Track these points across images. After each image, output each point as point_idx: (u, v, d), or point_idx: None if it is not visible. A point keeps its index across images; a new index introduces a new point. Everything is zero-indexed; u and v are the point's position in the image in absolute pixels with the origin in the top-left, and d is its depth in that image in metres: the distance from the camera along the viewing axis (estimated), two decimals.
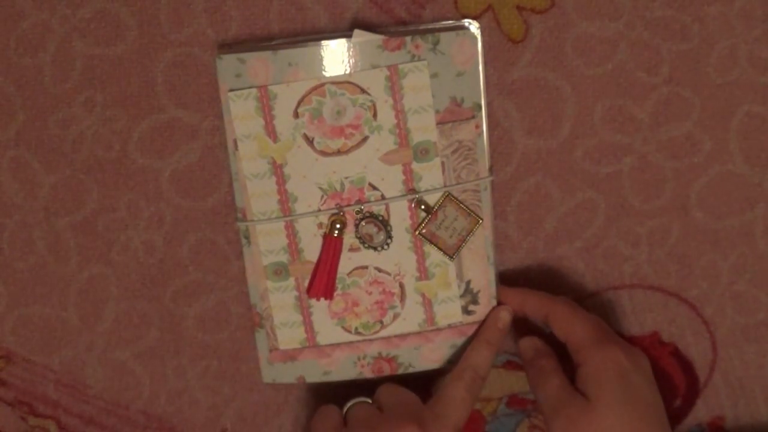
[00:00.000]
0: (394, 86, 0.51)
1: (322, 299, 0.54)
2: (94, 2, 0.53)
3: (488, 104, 0.53)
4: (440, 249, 0.54)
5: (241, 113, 0.52)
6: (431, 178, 0.53)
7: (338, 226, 0.53)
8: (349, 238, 0.54)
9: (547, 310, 0.53)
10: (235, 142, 0.52)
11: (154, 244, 0.56)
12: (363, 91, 0.51)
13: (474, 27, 0.51)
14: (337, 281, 0.54)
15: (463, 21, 0.52)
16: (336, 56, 0.51)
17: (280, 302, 0.55)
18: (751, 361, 0.59)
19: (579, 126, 0.55)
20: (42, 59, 0.53)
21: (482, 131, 0.53)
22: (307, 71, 0.51)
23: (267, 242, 0.54)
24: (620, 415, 0.48)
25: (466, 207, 0.53)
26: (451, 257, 0.54)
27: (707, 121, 0.55)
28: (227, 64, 0.51)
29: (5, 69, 0.53)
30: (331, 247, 0.53)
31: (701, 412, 0.60)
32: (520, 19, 0.53)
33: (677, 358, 0.59)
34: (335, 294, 0.55)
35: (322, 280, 0.54)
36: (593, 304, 0.58)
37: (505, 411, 0.60)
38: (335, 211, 0.53)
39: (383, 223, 0.53)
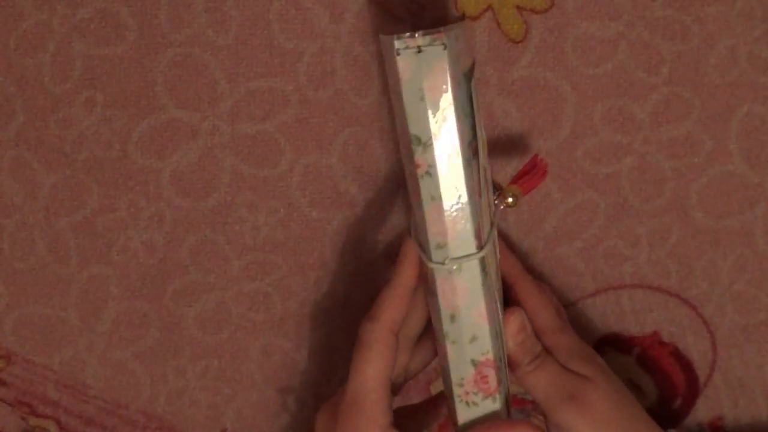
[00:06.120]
0: None
1: None
2: (94, 2, 0.53)
3: (488, 104, 0.53)
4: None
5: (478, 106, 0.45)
6: None
7: (511, 198, 0.48)
8: None
9: (515, 280, 0.51)
10: (471, 145, 0.43)
11: (154, 244, 0.56)
12: None
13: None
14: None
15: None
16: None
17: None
18: (751, 361, 0.59)
19: (579, 126, 0.55)
20: (42, 59, 0.53)
21: None
22: (467, 47, 0.46)
23: (491, 271, 0.46)
24: (616, 388, 0.48)
25: None
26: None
27: (707, 121, 0.55)
28: (447, 41, 0.40)
29: (5, 69, 0.53)
30: (524, 182, 0.49)
31: (701, 412, 0.60)
32: (520, 19, 0.53)
33: (677, 358, 0.59)
34: None
35: (539, 171, 0.50)
36: (593, 304, 0.58)
37: None
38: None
39: None
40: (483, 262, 0.44)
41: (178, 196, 0.55)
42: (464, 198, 0.42)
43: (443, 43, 0.40)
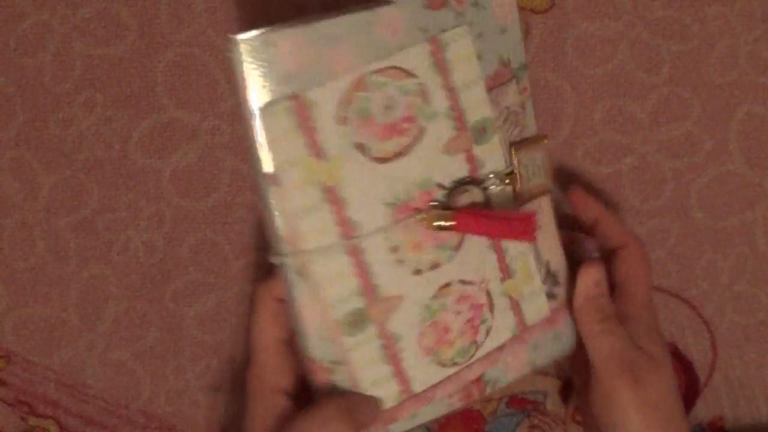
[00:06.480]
0: (439, 62, 0.43)
1: (415, 334, 0.45)
2: (94, 2, 0.53)
3: None
4: (544, 194, 0.47)
5: (276, 135, 0.40)
6: (493, 161, 0.45)
7: (441, 222, 0.43)
8: (427, 253, 0.44)
9: (622, 244, 0.49)
10: (272, 175, 0.41)
11: (154, 244, 0.56)
12: (409, 74, 0.42)
13: None
14: (423, 311, 0.45)
15: None
16: (382, 25, 0.41)
17: (364, 359, 0.45)
18: (751, 361, 0.59)
19: (579, 126, 0.55)
20: (42, 59, 0.53)
21: (530, 92, 0.46)
22: (351, 48, 0.41)
23: (335, 289, 0.43)
24: (674, 379, 0.47)
25: (525, 139, 0.47)
26: (550, 191, 0.48)
27: (707, 121, 0.55)
28: (252, 50, 0.39)
29: (5, 69, 0.53)
30: (469, 218, 0.44)
31: (701, 412, 0.60)
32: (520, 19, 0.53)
33: (677, 358, 0.59)
34: (423, 327, 0.45)
35: (519, 223, 0.45)
36: None
37: (504, 411, 0.60)
38: (418, 216, 0.43)
39: (471, 180, 0.45)
40: (296, 268, 0.42)
41: (178, 196, 0.55)
42: (268, 203, 0.41)
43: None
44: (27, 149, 0.55)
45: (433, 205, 0.44)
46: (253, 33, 0.39)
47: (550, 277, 0.48)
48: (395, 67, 0.42)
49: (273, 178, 0.41)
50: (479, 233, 0.45)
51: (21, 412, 0.58)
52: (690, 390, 0.60)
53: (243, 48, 0.39)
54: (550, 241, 0.48)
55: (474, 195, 0.45)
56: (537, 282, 0.48)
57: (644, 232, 0.57)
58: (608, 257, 0.50)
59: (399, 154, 0.43)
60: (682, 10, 0.53)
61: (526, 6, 0.53)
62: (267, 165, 0.41)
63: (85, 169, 0.55)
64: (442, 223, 0.43)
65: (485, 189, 0.45)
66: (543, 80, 0.54)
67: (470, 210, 0.44)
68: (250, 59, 0.39)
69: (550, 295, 0.49)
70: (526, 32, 0.53)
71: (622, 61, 0.54)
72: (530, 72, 0.54)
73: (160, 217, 0.56)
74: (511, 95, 0.46)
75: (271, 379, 0.45)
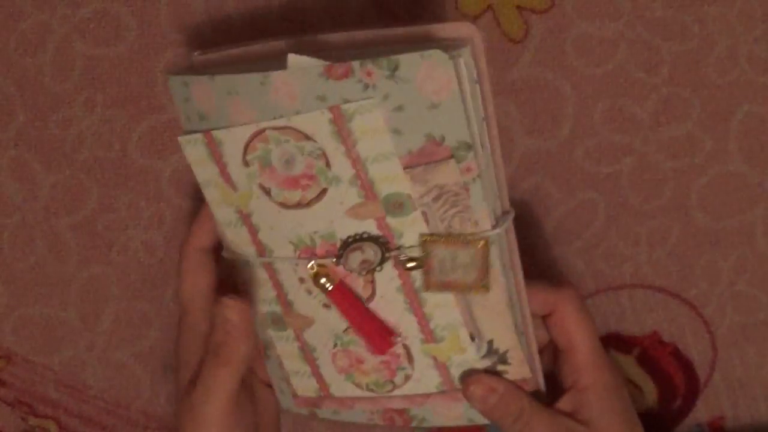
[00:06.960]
0: (341, 131, 0.41)
1: (328, 352, 0.47)
2: (94, 2, 0.52)
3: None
4: (464, 291, 0.43)
5: (195, 158, 0.44)
6: (414, 234, 0.43)
7: (323, 280, 0.44)
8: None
9: (549, 309, 0.47)
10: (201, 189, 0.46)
11: (154, 244, 0.56)
12: (307, 137, 0.41)
13: (462, 51, 0.39)
14: (334, 338, 0.47)
15: (443, 27, 0.41)
16: (276, 88, 0.40)
17: (286, 351, 0.48)
18: (751, 361, 0.59)
19: (579, 126, 0.55)
20: (42, 59, 0.53)
21: (479, 174, 0.41)
22: (247, 103, 0.41)
23: (259, 292, 0.47)
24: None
25: (457, 234, 0.42)
26: (485, 290, 0.43)
27: (707, 121, 0.55)
28: (175, 86, 0.44)
29: (5, 69, 0.53)
30: (343, 299, 0.45)
31: (701, 412, 0.60)
32: (520, 19, 0.53)
33: (677, 358, 0.59)
34: (335, 350, 0.47)
35: (372, 335, 0.45)
36: (593, 304, 0.58)
37: None
38: (312, 261, 0.44)
39: (372, 239, 0.43)
40: (231, 263, 0.47)
41: (178, 196, 0.55)
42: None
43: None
44: (27, 149, 0.55)
45: (329, 261, 0.44)
46: (181, 73, 0.44)
47: (495, 354, 0.46)
48: (293, 128, 0.41)
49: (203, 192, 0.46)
50: (343, 313, 0.45)
51: (21, 412, 0.58)
52: (690, 390, 0.60)
53: (171, 84, 0.44)
54: (497, 325, 0.45)
55: (368, 254, 0.43)
56: (470, 355, 0.45)
57: (644, 232, 0.57)
58: (544, 324, 0.48)
59: (301, 205, 0.43)
60: (682, 10, 0.53)
61: (526, 6, 0.53)
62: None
63: (85, 169, 0.55)
64: (324, 282, 0.44)
65: (384, 252, 0.43)
66: (543, 80, 0.54)
67: (348, 290, 0.45)
68: (177, 94, 0.44)
69: (495, 371, 0.46)
70: (526, 32, 0.53)
71: (622, 61, 0.54)
72: (531, 72, 0.54)
73: (160, 217, 0.56)
74: (447, 174, 0.41)
75: (202, 325, 0.48)
